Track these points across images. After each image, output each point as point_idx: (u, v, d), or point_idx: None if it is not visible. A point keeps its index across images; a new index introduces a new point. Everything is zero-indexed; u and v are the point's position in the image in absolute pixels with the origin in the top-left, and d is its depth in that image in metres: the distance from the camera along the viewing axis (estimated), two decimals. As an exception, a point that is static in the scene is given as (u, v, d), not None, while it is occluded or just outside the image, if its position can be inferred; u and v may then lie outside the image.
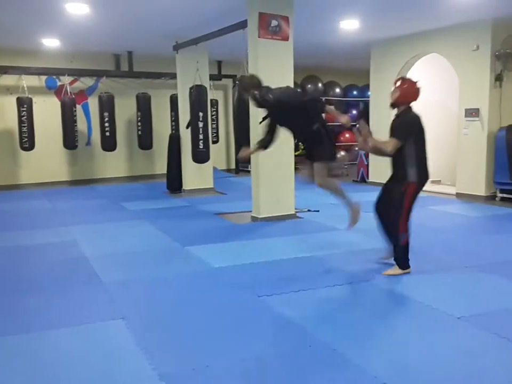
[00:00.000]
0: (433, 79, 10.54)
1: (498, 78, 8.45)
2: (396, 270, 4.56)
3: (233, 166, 13.77)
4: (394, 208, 4.48)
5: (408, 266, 4.56)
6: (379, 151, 4.48)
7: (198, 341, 3.27)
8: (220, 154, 13.45)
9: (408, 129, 4.38)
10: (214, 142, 11.27)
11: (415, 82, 4.53)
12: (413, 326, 3.46)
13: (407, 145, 4.34)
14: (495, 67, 8.42)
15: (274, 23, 6.66)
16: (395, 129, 4.44)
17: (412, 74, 10.29)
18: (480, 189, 8.61)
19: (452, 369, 2.85)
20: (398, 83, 4.53)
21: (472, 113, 8.70)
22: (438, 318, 3.57)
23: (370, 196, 9.04)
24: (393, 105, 4.56)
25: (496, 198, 8.50)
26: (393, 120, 4.55)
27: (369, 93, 11.30)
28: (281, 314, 3.68)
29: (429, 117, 10.65)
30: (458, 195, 8.95)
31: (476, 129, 8.66)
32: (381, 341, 3.23)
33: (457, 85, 9.14)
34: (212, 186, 10.20)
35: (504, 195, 8.44)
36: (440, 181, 10.70)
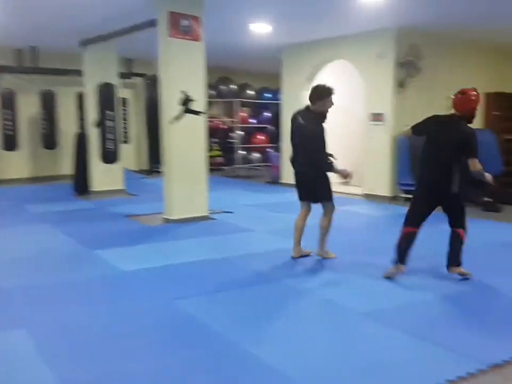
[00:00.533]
0: (341, 84, 10.89)
1: (401, 84, 8.90)
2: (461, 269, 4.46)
3: (145, 167, 13.46)
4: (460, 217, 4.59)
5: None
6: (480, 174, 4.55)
7: (105, 347, 3.14)
8: (131, 154, 13.09)
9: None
10: (124, 142, 10.95)
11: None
12: (321, 323, 3.54)
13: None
14: (399, 74, 8.86)
15: (185, 22, 6.58)
16: (473, 147, 4.40)
17: (320, 79, 10.61)
18: (385, 190, 9.03)
19: (356, 363, 2.94)
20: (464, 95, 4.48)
21: (377, 117, 9.11)
22: (343, 314, 3.68)
23: (285, 197, 9.28)
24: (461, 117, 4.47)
25: (400, 198, 8.96)
26: (461, 133, 4.42)
27: (280, 96, 11.50)
28: (194, 317, 3.62)
29: (337, 120, 11.09)
30: (365, 195, 9.32)
31: (380, 133, 9.07)
32: (293, 340, 3.27)
33: (363, 90, 9.52)
34: (122, 187, 9.90)
35: (407, 195, 8.90)
36: (348, 181, 11.09)
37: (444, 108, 9.55)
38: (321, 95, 4.81)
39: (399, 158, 8.86)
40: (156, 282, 4.41)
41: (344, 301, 3.93)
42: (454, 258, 4.47)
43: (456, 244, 4.50)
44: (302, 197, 5.26)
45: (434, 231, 5.29)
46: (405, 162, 8.74)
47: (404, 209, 8.18)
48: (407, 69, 8.82)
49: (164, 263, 4.98)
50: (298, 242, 5.19)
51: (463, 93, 4.52)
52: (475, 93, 4.50)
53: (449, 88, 9.51)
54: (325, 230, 5.09)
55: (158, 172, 12.50)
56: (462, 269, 4.46)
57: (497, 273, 4.72)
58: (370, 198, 9.13)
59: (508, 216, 7.03)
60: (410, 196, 9.07)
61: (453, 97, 4.59)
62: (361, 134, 9.82)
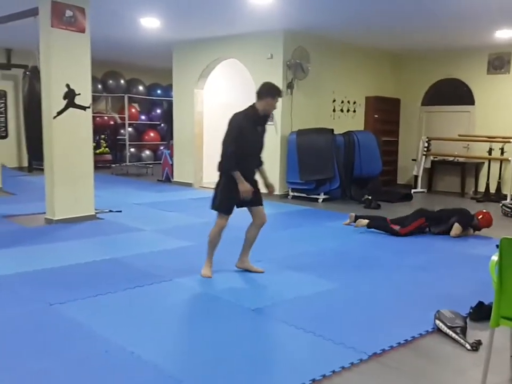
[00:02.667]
0: (234, 83, 11.02)
1: (289, 86, 9.17)
2: None
3: (25, 164, 12.64)
4: None
5: None
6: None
7: (-25, 361, 2.88)
8: (10, 150, 12.24)
9: None
10: (2, 137, 10.18)
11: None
12: (210, 321, 3.52)
13: None
14: (287, 75, 9.11)
15: (69, 13, 6.26)
16: None
17: (213, 77, 10.64)
18: (275, 188, 9.22)
19: (248, 359, 2.97)
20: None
21: (267, 117, 9.28)
22: (233, 311, 3.70)
23: (176, 196, 9.17)
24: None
25: (289, 197, 9.23)
26: None
27: (172, 93, 11.34)
28: (75, 321, 3.45)
29: (229, 118, 11.19)
30: (256, 194, 9.48)
31: (270, 133, 9.21)
32: (179, 339, 3.23)
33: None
34: (0, 185, 9.21)
35: (295, 193, 9.20)
36: (239, 180, 11.23)
37: (329, 110, 10.06)
38: (269, 92, 4.34)
39: (288, 158, 9.13)
40: (33, 287, 4.14)
41: (231, 297, 3.96)
42: None
43: None
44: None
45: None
46: (294, 162, 9.03)
47: (293, 206, 8.48)
48: (294, 70, 9.10)
49: (43, 266, 4.68)
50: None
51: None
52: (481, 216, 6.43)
53: (334, 91, 10.08)
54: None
55: (41, 169, 11.83)
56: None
57: (369, 269, 5.01)
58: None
59: (385, 213, 7.50)
60: (298, 194, 9.43)
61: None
62: (252, 133, 9.95)
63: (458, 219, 6.30)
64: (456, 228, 6.24)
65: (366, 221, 6.55)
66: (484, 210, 6.53)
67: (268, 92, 4.33)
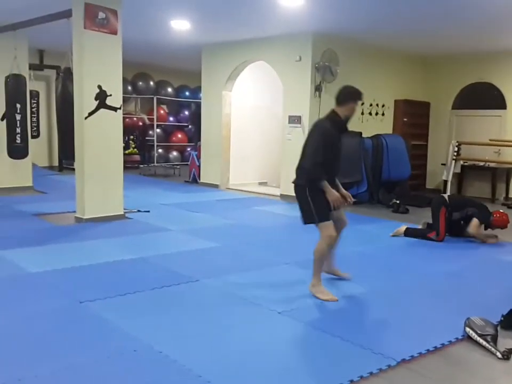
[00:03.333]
0: (262, 85, 11.05)
1: (317, 89, 9.13)
2: None
3: (56, 163, 12.88)
4: None
5: None
6: None
7: (11, 352, 2.95)
8: (41, 149, 12.48)
9: None
10: (34, 137, 10.39)
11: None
12: (238, 323, 3.53)
13: None
14: (315, 78, 9.08)
15: (101, 15, 6.36)
16: None
17: (242, 79, 10.68)
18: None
19: (275, 362, 2.96)
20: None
21: (295, 120, 9.28)
22: (260, 313, 3.70)
23: (203, 197, 9.23)
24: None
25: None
26: None
27: (200, 95, 11.42)
28: (104, 319, 3.49)
29: (257, 121, 11.25)
30: (282, 196, 9.47)
31: (298, 135, 9.24)
32: (207, 339, 3.23)
33: (282, 93, 9.67)
34: (31, 184, 9.39)
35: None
36: (266, 182, 11.25)
37: (357, 113, 9.98)
38: (351, 97, 4.13)
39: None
40: (64, 285, 4.21)
41: (259, 299, 3.96)
42: None
43: None
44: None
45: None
46: (321, 164, 8.97)
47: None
48: (323, 73, 9.06)
49: (73, 264, 4.76)
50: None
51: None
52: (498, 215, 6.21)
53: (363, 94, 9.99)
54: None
55: (71, 168, 12.04)
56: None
57: (400, 273, 4.95)
58: (287, 198, 9.29)
59: (413, 218, 7.40)
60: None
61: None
62: (280, 135, 9.96)
63: (478, 213, 6.16)
64: (475, 225, 6.10)
65: (404, 227, 6.46)
66: (502, 211, 6.33)
67: (349, 96, 4.11)
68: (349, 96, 4.11)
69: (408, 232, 6.38)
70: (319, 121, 4.18)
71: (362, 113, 10.12)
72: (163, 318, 3.58)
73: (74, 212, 6.81)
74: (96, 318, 3.52)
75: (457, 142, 10.30)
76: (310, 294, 4.12)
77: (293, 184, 4.18)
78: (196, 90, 14.33)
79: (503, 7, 6.76)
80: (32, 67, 9.92)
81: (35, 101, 11.21)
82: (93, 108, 6.49)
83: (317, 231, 4.11)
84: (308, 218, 4.10)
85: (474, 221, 6.12)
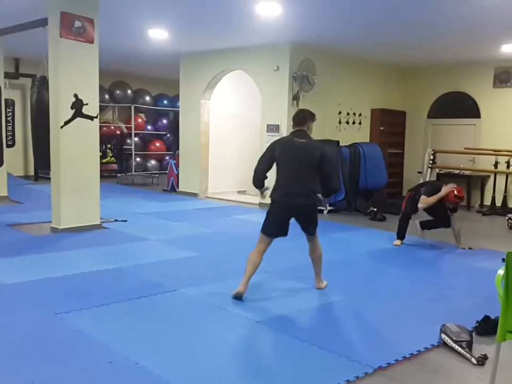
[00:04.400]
0: (241, 94, 11.09)
1: (295, 98, 9.20)
2: None
3: (32, 172, 12.71)
4: None
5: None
6: None
7: (-21, 369, 2.89)
8: (16, 159, 12.29)
9: None
10: (9, 146, 10.22)
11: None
12: (215, 333, 3.51)
13: None
14: (293, 87, 9.15)
15: (78, 23, 6.32)
16: None
17: (220, 88, 10.70)
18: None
19: (252, 372, 2.95)
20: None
21: (273, 128, 9.33)
22: (238, 322, 3.69)
23: (181, 206, 9.18)
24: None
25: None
26: None
27: (179, 103, 11.40)
28: (80, 331, 3.44)
29: (236, 129, 11.28)
30: (261, 204, 9.46)
31: (276, 144, 9.28)
32: (184, 350, 3.21)
33: (261, 102, 9.71)
34: (6, 194, 9.24)
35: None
36: (245, 191, 11.24)
37: (335, 122, 10.08)
38: (311, 117, 4.46)
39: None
40: (39, 296, 4.14)
41: (236, 309, 3.95)
42: None
43: None
44: (276, 233, 4.42)
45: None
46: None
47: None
48: (301, 83, 9.14)
49: (49, 275, 4.69)
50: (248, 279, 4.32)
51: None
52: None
53: (339, 103, 10.10)
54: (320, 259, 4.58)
55: (47, 178, 11.88)
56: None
57: (375, 281, 4.99)
58: (266, 207, 9.27)
59: (390, 225, 7.47)
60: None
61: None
62: (260, 143, 9.98)
63: (424, 189, 6.45)
64: (421, 199, 6.32)
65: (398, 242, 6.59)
66: (454, 186, 6.33)
67: (309, 117, 4.46)
68: (311, 116, 4.48)
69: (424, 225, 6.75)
70: (322, 145, 4.45)
71: (339, 122, 10.22)
72: (139, 329, 3.54)
73: (50, 222, 6.71)
74: (72, 330, 3.47)
75: (432, 150, 10.47)
76: (288, 302, 4.13)
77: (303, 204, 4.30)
78: (174, 99, 14.30)
79: (476, 18, 6.92)
80: (7, 75, 9.81)
81: (10, 110, 11.04)
82: (69, 116, 6.43)
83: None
84: (314, 229, 4.47)
85: (422, 197, 6.35)
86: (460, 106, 10.90)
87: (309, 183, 4.27)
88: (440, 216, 6.48)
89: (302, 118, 4.42)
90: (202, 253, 5.76)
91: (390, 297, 4.44)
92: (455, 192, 6.19)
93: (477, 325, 3.64)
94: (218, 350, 3.23)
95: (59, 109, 6.38)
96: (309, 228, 4.44)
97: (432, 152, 10.44)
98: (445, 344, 3.37)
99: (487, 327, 3.55)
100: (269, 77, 9.31)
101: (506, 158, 9.71)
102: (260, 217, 8.29)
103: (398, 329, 3.70)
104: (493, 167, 9.88)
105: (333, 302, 4.25)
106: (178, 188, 11.13)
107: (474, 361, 3.14)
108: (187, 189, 10.85)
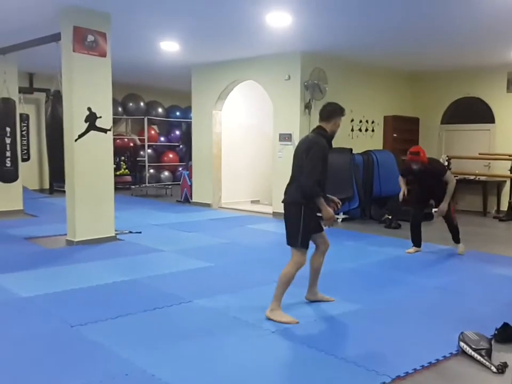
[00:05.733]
0: (252, 104, 11.13)
1: (307, 106, 9.20)
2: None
3: (47, 186, 12.83)
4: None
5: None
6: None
7: (2, 376, 2.90)
8: (31, 172, 12.43)
9: None
10: (24, 160, 10.35)
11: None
12: (231, 344, 3.50)
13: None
14: (304, 96, 9.15)
15: (90, 38, 6.40)
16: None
17: (232, 98, 10.74)
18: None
19: (269, 382, 2.94)
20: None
21: (285, 137, 9.33)
22: (253, 333, 3.67)
23: (195, 216, 9.20)
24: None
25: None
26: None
27: (191, 115, 11.47)
28: (96, 343, 3.45)
29: (248, 139, 11.30)
30: (275, 214, 9.46)
31: (289, 153, 9.25)
32: (200, 361, 3.20)
33: (272, 111, 9.73)
34: (21, 207, 9.34)
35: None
36: (259, 200, 11.25)
37: (347, 130, 10.06)
38: (337, 112, 4.19)
39: (307, 177, 9.09)
40: (55, 309, 4.17)
41: (251, 319, 3.93)
42: None
43: None
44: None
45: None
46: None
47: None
48: (312, 91, 9.14)
49: (65, 288, 4.72)
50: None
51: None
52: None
53: (352, 111, 10.08)
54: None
55: (61, 191, 11.99)
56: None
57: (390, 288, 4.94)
58: (280, 216, 9.26)
59: (406, 233, 7.41)
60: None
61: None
62: (271, 153, 10.00)
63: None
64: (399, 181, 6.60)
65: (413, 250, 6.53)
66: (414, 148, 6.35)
67: (335, 111, 4.16)
68: (334, 112, 4.15)
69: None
70: (313, 137, 4.06)
71: (352, 130, 10.20)
72: (155, 341, 3.54)
73: (65, 234, 6.76)
74: (88, 342, 3.48)
75: (447, 156, 10.39)
76: (304, 312, 4.11)
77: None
78: (187, 110, 14.39)
79: (487, 23, 6.88)
80: (22, 90, 9.94)
81: (25, 124, 11.22)
82: (83, 130, 6.49)
83: (309, 249, 4.08)
84: (291, 238, 3.98)
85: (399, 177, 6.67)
86: (473, 111, 10.82)
87: (295, 177, 4.02)
88: (427, 191, 6.45)
89: (327, 112, 4.14)
90: (217, 264, 5.75)
91: (406, 305, 4.39)
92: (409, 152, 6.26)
93: (496, 332, 3.58)
94: (234, 361, 3.21)
95: (73, 123, 6.45)
96: (286, 233, 4.03)
97: (447, 158, 10.36)
98: (463, 352, 3.32)
99: (506, 334, 3.50)
100: (281, 86, 9.33)
101: (522, 163, 9.59)
102: (273, 227, 8.35)
103: (415, 338, 3.65)
104: (509, 172, 9.77)
105: (348, 311, 4.20)
106: (191, 199, 11.16)
107: (494, 369, 3.08)
108: (200, 200, 10.87)
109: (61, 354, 3.28)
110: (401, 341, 3.59)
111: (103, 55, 6.58)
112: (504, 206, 9.96)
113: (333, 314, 4.10)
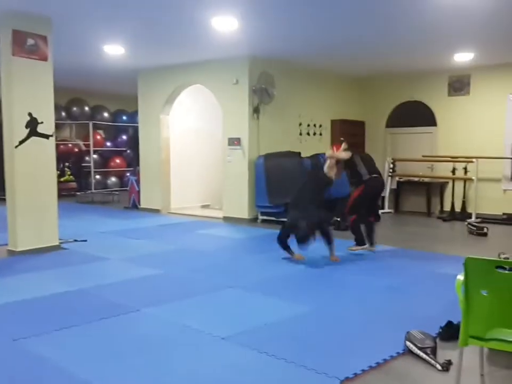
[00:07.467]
0: (201, 108, 11.07)
1: (255, 110, 9.23)
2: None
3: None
4: None
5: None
6: None
7: None
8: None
9: None
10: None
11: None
12: (181, 352, 3.44)
13: None
14: (253, 100, 9.18)
15: (30, 41, 6.19)
16: None
17: (180, 103, 10.65)
18: (244, 212, 9.22)
19: (217, 392, 2.89)
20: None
21: (235, 142, 9.32)
22: (203, 341, 3.62)
23: (143, 222, 9.04)
24: None
25: (258, 220, 9.20)
26: None
27: (138, 119, 11.29)
28: (40, 356, 3.32)
29: (197, 143, 11.23)
30: (225, 218, 9.43)
31: (238, 157, 9.28)
32: (149, 372, 3.12)
33: (221, 115, 9.70)
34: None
35: (265, 217, 9.18)
36: (209, 205, 11.18)
37: (295, 133, 10.16)
38: None
39: (257, 181, 9.13)
40: (-3, 323, 3.98)
41: (201, 326, 3.88)
42: None
43: None
44: None
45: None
46: (262, 186, 9.03)
47: (262, 230, 8.45)
48: (260, 95, 9.18)
49: (5, 300, 4.52)
50: None
51: None
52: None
53: (300, 115, 10.20)
54: None
55: (1, 199, 11.51)
56: None
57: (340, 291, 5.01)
58: (230, 221, 9.26)
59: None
60: (267, 218, 9.40)
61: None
62: (222, 157, 9.97)
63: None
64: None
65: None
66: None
67: None
68: None
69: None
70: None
71: (300, 134, 10.30)
72: (102, 352, 3.43)
73: (6, 244, 6.49)
74: (31, 356, 3.34)
75: (392, 158, 10.68)
76: (253, 316, 4.10)
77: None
78: (133, 115, 14.14)
79: (429, 28, 7.10)
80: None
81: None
82: (24, 136, 6.27)
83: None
84: None
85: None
86: (416, 115, 11.16)
87: None
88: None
89: None
90: (166, 270, 5.66)
91: (355, 305, 4.45)
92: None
93: (441, 330, 3.68)
94: (183, 369, 3.16)
95: (13, 129, 6.22)
96: None
97: (392, 160, 10.65)
98: (410, 351, 3.39)
99: (450, 332, 3.59)
100: (229, 90, 9.32)
101: (463, 164, 9.97)
102: (224, 232, 8.31)
103: (363, 338, 3.70)
104: (451, 173, 10.13)
105: (298, 313, 4.22)
106: (140, 205, 10.97)
107: (439, 367, 3.16)
108: (149, 205, 10.71)
109: (3, 369, 3.13)
110: (349, 342, 3.63)
111: (44, 59, 6.38)
112: (447, 207, 10.31)
113: (282, 317, 4.10)
